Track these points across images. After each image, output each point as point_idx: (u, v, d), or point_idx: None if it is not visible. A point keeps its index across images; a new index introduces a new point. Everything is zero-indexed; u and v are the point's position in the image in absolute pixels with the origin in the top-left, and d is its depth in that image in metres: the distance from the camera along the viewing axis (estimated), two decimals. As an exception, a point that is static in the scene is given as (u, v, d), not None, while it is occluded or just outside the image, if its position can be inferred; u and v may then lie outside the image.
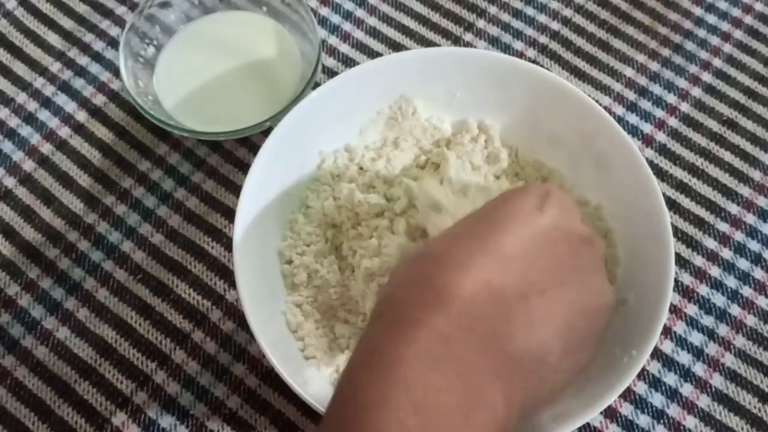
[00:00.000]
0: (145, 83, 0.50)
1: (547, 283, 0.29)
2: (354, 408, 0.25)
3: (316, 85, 0.45)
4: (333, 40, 0.55)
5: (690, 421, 0.45)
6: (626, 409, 0.45)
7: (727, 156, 0.52)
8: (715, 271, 0.48)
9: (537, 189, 0.32)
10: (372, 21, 0.56)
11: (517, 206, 0.31)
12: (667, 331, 0.47)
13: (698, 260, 0.49)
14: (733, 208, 0.50)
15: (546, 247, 0.30)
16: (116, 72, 0.54)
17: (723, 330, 0.47)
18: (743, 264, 0.49)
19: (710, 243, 0.49)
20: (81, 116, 0.53)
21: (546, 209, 0.31)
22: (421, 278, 0.28)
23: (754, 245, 0.49)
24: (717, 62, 0.55)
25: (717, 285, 0.48)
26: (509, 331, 0.27)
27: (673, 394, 0.45)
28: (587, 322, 0.30)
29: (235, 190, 0.50)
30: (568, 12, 0.57)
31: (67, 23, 0.56)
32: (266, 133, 0.43)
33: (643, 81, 0.54)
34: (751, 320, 0.47)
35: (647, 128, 0.53)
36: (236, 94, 0.51)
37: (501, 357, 0.27)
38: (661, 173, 0.51)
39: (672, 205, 0.50)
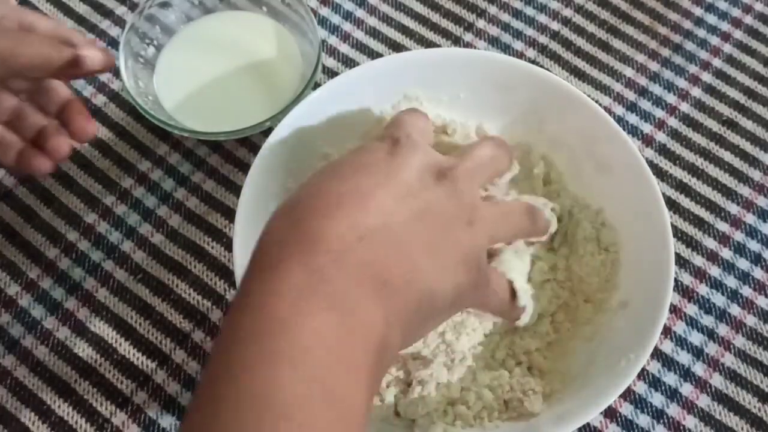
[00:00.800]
0: (146, 83, 0.50)
1: (405, 216, 0.31)
2: (231, 343, 0.27)
3: (317, 85, 0.45)
4: (333, 41, 0.55)
5: (690, 421, 0.45)
6: (626, 409, 0.45)
7: (727, 156, 0.52)
8: (715, 271, 0.48)
9: (390, 133, 0.35)
10: (372, 21, 0.56)
11: (372, 154, 0.34)
12: (667, 331, 0.47)
13: (698, 260, 0.49)
14: (733, 208, 0.50)
15: (402, 187, 0.32)
16: (116, 72, 0.54)
17: (723, 330, 0.47)
18: (743, 264, 0.49)
19: (710, 243, 0.49)
20: (81, 116, 0.53)
21: (399, 151, 0.34)
22: (291, 224, 0.31)
23: (754, 245, 0.49)
24: (717, 62, 0.55)
25: (717, 285, 0.48)
26: (379, 261, 0.30)
27: (673, 394, 0.45)
28: (454, 242, 0.33)
29: (235, 190, 0.50)
30: (568, 12, 0.57)
31: (67, 23, 0.56)
32: (266, 133, 0.43)
33: (643, 81, 0.54)
34: (750, 320, 0.47)
35: (647, 128, 0.53)
36: (236, 94, 0.51)
37: (374, 282, 0.29)
38: (661, 173, 0.51)
39: (672, 205, 0.50)
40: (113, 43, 0.55)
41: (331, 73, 0.54)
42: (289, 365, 0.26)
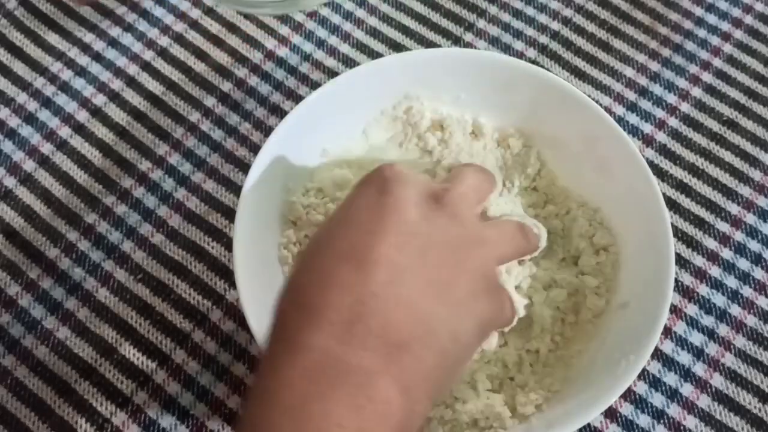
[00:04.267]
0: None
1: (407, 257, 0.30)
2: None
3: (317, 85, 0.45)
4: (333, 40, 0.55)
5: (690, 421, 0.45)
6: (626, 409, 0.45)
7: (728, 156, 0.52)
8: (715, 271, 0.48)
9: (373, 176, 0.34)
10: (372, 21, 0.56)
11: (363, 199, 0.33)
12: (667, 331, 0.47)
13: (698, 260, 0.49)
14: (734, 208, 0.50)
15: (397, 225, 0.31)
16: (116, 72, 0.54)
17: (723, 330, 0.47)
18: (743, 264, 0.49)
19: (710, 243, 0.49)
20: (81, 116, 0.53)
21: (389, 188, 0.32)
22: (294, 303, 0.30)
23: (754, 245, 0.49)
24: (717, 62, 0.55)
25: (717, 285, 0.48)
26: (386, 322, 0.28)
27: (673, 394, 0.45)
28: (465, 272, 0.31)
29: (235, 190, 0.50)
30: (568, 12, 0.57)
31: (68, 23, 0.56)
32: (267, 132, 0.43)
33: (643, 81, 0.54)
34: (751, 320, 0.47)
35: (647, 128, 0.53)
36: None
37: (385, 350, 0.28)
38: (661, 173, 0.51)
39: (672, 205, 0.50)
40: (114, 43, 0.55)
41: (331, 73, 0.54)
42: None
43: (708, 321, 0.47)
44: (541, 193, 0.46)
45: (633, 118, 0.53)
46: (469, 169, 0.37)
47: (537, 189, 0.46)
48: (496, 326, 0.35)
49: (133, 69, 0.54)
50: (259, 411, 0.28)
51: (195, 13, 0.56)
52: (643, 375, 0.46)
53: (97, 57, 0.55)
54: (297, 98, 0.53)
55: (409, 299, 0.29)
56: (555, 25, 0.56)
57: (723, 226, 0.50)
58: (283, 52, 0.55)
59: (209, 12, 0.56)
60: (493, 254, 0.34)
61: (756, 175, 0.51)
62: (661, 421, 0.45)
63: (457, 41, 0.56)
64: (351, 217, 0.32)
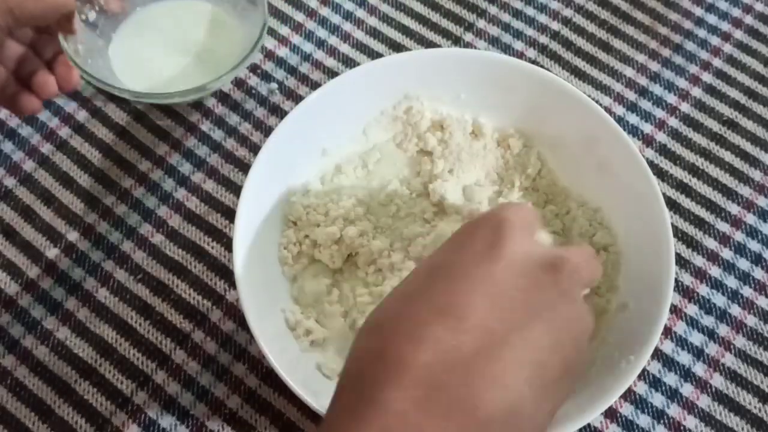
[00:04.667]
0: (89, 47, 0.49)
1: (508, 329, 0.27)
2: None
3: (317, 85, 0.45)
4: (333, 41, 0.55)
5: (690, 421, 0.45)
6: (626, 409, 0.45)
7: (728, 156, 0.52)
8: (715, 272, 0.48)
9: (488, 221, 0.30)
10: (372, 21, 0.56)
11: (470, 249, 0.29)
12: (667, 332, 0.47)
13: (698, 260, 0.49)
14: (734, 208, 0.50)
15: (504, 289, 0.28)
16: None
17: (723, 330, 0.47)
18: (743, 264, 0.49)
19: (710, 243, 0.49)
20: (81, 116, 0.53)
21: (501, 243, 0.29)
22: (374, 351, 0.27)
23: (754, 245, 0.49)
24: (717, 62, 0.55)
25: (717, 285, 0.48)
26: (472, 395, 0.26)
27: (673, 394, 0.45)
28: (561, 355, 0.28)
29: (235, 190, 0.50)
30: (568, 12, 0.57)
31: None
32: (267, 132, 0.43)
33: (643, 81, 0.54)
34: (751, 320, 0.47)
35: (647, 128, 0.53)
36: (178, 67, 0.51)
37: (468, 424, 0.26)
38: (661, 173, 0.51)
39: (672, 205, 0.50)
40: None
41: (331, 73, 0.54)
42: None
43: (708, 321, 0.47)
44: (542, 193, 0.46)
45: (633, 118, 0.53)
46: (583, 247, 0.34)
47: (537, 189, 0.46)
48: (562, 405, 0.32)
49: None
50: None
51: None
52: (643, 375, 0.46)
53: (97, 57, 0.55)
54: (297, 98, 0.53)
55: (498, 375, 0.26)
56: (555, 25, 0.56)
57: (723, 226, 0.50)
58: (283, 52, 0.55)
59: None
60: (590, 327, 0.31)
61: (756, 175, 0.51)
62: (661, 422, 0.45)
63: (457, 41, 0.56)
64: (453, 265, 0.29)
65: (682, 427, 0.44)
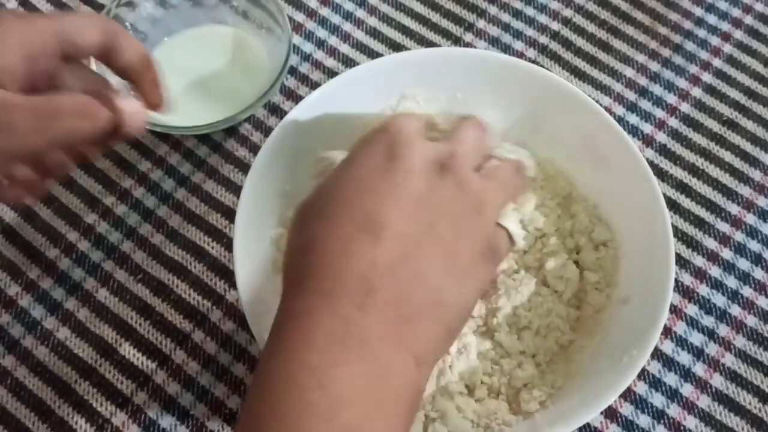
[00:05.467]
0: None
1: (420, 231, 0.31)
2: (267, 390, 0.28)
3: (317, 85, 0.45)
4: (333, 41, 0.55)
5: (690, 422, 0.45)
6: (626, 409, 0.45)
7: (728, 156, 0.52)
8: (715, 272, 0.48)
9: (382, 135, 0.34)
10: (372, 21, 0.56)
11: (372, 163, 0.33)
12: (667, 332, 0.47)
13: (698, 260, 0.49)
14: (734, 209, 0.50)
15: (409, 195, 0.32)
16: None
17: (723, 330, 0.47)
18: (743, 264, 0.49)
19: (710, 243, 0.49)
20: (81, 116, 0.53)
21: (398, 154, 0.33)
22: (311, 265, 0.31)
23: (754, 245, 0.49)
24: (717, 62, 0.55)
25: (717, 285, 0.48)
26: (400, 295, 0.30)
27: (673, 395, 0.45)
28: (468, 240, 0.32)
29: (235, 190, 0.50)
30: (568, 12, 0.57)
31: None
32: (267, 132, 0.43)
33: (643, 81, 0.54)
34: (751, 320, 0.47)
35: (647, 128, 0.53)
36: (204, 97, 0.52)
37: (400, 320, 0.29)
38: (661, 173, 0.51)
39: (672, 205, 0.50)
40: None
41: (331, 73, 0.54)
42: (324, 419, 0.27)
43: (708, 321, 0.47)
44: (540, 188, 0.46)
45: (633, 118, 0.53)
46: (469, 124, 0.37)
47: (539, 187, 0.46)
48: (493, 274, 0.37)
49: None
50: (284, 366, 0.28)
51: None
52: (643, 375, 0.46)
53: (97, 57, 0.55)
54: (297, 98, 0.53)
55: (420, 272, 0.30)
56: (555, 26, 0.56)
57: (723, 226, 0.50)
58: (283, 52, 0.55)
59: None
60: (494, 212, 0.35)
61: (756, 175, 0.51)
62: (661, 422, 0.45)
63: (457, 41, 0.56)
64: (361, 180, 0.33)
65: (682, 427, 0.44)
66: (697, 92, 0.54)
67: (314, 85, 0.53)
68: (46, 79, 0.35)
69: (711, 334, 0.47)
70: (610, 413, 0.45)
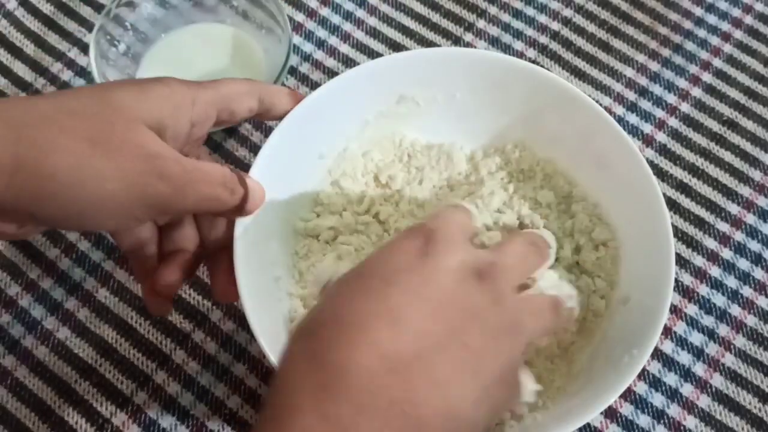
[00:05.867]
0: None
1: (445, 333, 0.28)
2: None
3: (317, 85, 0.45)
4: (333, 41, 0.55)
5: (690, 421, 0.45)
6: (626, 409, 0.45)
7: (728, 156, 0.52)
8: (715, 272, 0.48)
9: (419, 232, 0.31)
10: (372, 21, 0.56)
11: (403, 258, 0.30)
12: (667, 331, 0.47)
13: (698, 260, 0.49)
14: (734, 209, 0.50)
15: (439, 296, 0.29)
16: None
17: (723, 330, 0.47)
18: (743, 264, 0.49)
19: (710, 243, 0.49)
20: (81, 116, 0.53)
21: (433, 253, 0.30)
22: (310, 355, 0.27)
23: (754, 245, 0.49)
24: (717, 62, 0.55)
25: (717, 285, 0.48)
26: (412, 398, 0.26)
27: (673, 394, 0.45)
28: (496, 359, 0.29)
29: (236, 190, 0.50)
30: (568, 12, 0.57)
31: (68, 24, 0.56)
32: (267, 132, 0.43)
33: (643, 81, 0.54)
34: (751, 320, 0.47)
35: (647, 128, 0.53)
36: None
37: (407, 425, 0.26)
38: (661, 173, 0.51)
39: (672, 205, 0.50)
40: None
41: (331, 73, 0.54)
42: None
43: (708, 321, 0.47)
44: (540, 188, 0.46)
45: (633, 118, 0.53)
46: (520, 239, 0.35)
47: (539, 187, 0.46)
48: (504, 412, 0.34)
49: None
50: None
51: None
52: (643, 375, 0.46)
53: (97, 57, 0.55)
54: (297, 98, 0.53)
55: (435, 375, 0.27)
56: (555, 26, 0.56)
57: (723, 226, 0.50)
58: (283, 52, 0.55)
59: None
60: (526, 339, 0.32)
61: (756, 175, 0.51)
62: (661, 421, 0.45)
63: (457, 41, 0.56)
64: (387, 273, 0.30)
65: (682, 427, 0.44)
66: (697, 92, 0.54)
67: (314, 85, 0.53)
68: (196, 148, 0.36)
69: (711, 334, 0.47)
70: (610, 413, 0.45)
